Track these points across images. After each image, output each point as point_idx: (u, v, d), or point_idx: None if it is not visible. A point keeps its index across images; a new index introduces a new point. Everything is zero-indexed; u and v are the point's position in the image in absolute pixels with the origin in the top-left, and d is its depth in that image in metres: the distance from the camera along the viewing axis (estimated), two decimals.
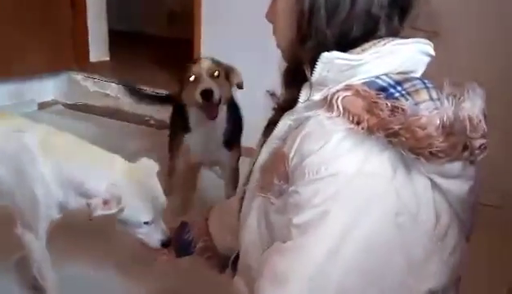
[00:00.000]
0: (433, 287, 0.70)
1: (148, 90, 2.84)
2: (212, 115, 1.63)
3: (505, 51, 2.00)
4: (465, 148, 0.65)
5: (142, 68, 3.41)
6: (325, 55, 0.69)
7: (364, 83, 0.69)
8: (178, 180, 1.88)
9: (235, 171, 1.85)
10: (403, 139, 0.63)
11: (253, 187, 0.83)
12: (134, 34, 4.34)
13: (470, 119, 0.65)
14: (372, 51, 0.70)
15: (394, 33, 0.74)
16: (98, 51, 3.49)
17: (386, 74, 0.71)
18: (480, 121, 0.66)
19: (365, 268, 0.66)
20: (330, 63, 0.69)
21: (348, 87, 0.69)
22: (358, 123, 0.66)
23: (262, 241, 0.79)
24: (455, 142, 0.64)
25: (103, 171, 1.24)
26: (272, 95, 0.91)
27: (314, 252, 0.66)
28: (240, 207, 0.91)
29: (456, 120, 0.64)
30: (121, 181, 1.21)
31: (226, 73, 1.69)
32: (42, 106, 3.25)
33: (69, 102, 3.29)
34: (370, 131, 0.65)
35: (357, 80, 0.70)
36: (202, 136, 1.74)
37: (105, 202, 1.16)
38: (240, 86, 1.74)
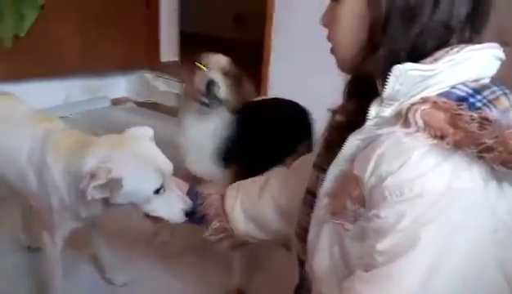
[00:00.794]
0: None
1: None
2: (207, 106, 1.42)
3: None
4: None
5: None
6: (398, 68, 0.64)
7: (440, 94, 0.65)
8: None
9: None
10: (497, 153, 0.58)
11: (322, 213, 0.78)
12: (202, 36, 4.42)
13: None
14: (446, 59, 0.65)
15: (465, 43, 0.68)
16: (169, 51, 3.58)
17: (462, 83, 0.66)
18: None
19: (462, 291, 0.60)
20: (403, 75, 0.64)
21: (424, 100, 0.64)
22: (442, 138, 0.60)
23: (336, 269, 0.74)
24: None
25: (94, 154, 1.09)
26: (335, 112, 0.85)
27: (406, 281, 0.60)
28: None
29: None
30: (108, 153, 1.07)
31: (239, 79, 1.51)
32: (115, 103, 3.39)
33: (139, 100, 3.40)
34: (456, 146, 0.60)
35: (431, 92, 0.65)
36: (193, 140, 1.50)
37: (92, 175, 1.02)
38: (246, 98, 1.52)
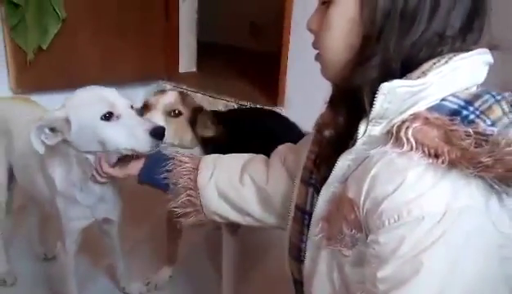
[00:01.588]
0: None
1: (232, 101, 2.90)
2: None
3: None
4: None
5: (227, 79, 3.47)
6: (386, 86, 0.61)
7: (431, 108, 0.62)
8: None
9: None
10: (494, 171, 0.55)
11: (317, 239, 0.74)
12: (218, 46, 4.45)
13: None
14: (434, 72, 0.62)
15: (454, 51, 0.65)
16: (187, 62, 3.62)
17: (452, 94, 0.62)
18: None
19: None
20: (392, 93, 0.61)
21: (415, 116, 0.61)
22: (436, 156, 0.57)
23: None
24: None
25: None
26: (323, 126, 0.80)
27: None
28: None
29: None
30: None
31: (192, 115, 1.34)
32: None
33: None
34: (452, 164, 0.56)
35: (421, 106, 0.62)
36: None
37: (40, 126, 1.03)
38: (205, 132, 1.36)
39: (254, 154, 1.09)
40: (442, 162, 0.57)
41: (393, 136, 0.61)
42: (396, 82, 0.61)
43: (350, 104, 0.69)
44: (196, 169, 1.05)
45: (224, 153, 1.12)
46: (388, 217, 0.59)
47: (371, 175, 0.61)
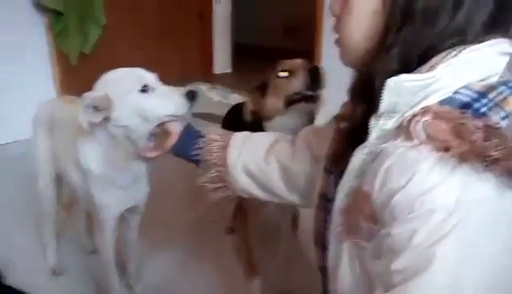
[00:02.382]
0: None
1: None
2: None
3: None
4: None
5: (261, 80, 3.49)
6: (392, 81, 0.61)
7: (442, 102, 0.61)
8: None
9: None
10: (504, 164, 0.54)
11: (338, 231, 0.75)
12: (253, 47, 4.49)
13: None
14: (444, 64, 0.61)
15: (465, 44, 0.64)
16: (222, 63, 3.69)
17: (465, 86, 0.61)
18: None
19: None
20: (399, 87, 0.62)
21: (425, 110, 0.60)
22: (446, 150, 0.57)
23: (359, 286, 0.72)
24: None
25: None
26: (342, 118, 0.81)
27: None
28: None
29: None
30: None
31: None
32: None
33: (194, 111, 3.49)
34: (462, 158, 0.56)
35: (433, 99, 0.61)
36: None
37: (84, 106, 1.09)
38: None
39: (281, 134, 1.13)
40: (452, 156, 0.56)
41: (404, 130, 0.61)
42: (403, 77, 0.62)
43: (367, 96, 0.69)
44: (226, 146, 1.08)
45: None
46: (400, 210, 0.59)
47: (384, 169, 0.62)
